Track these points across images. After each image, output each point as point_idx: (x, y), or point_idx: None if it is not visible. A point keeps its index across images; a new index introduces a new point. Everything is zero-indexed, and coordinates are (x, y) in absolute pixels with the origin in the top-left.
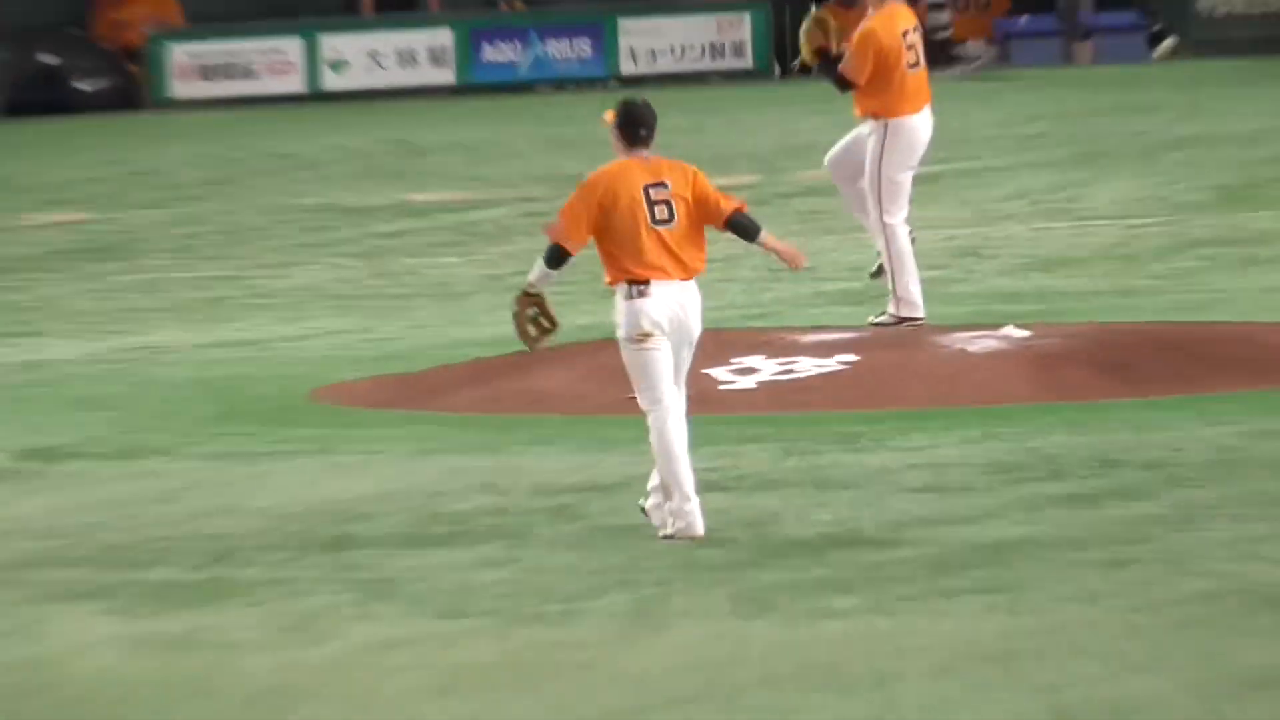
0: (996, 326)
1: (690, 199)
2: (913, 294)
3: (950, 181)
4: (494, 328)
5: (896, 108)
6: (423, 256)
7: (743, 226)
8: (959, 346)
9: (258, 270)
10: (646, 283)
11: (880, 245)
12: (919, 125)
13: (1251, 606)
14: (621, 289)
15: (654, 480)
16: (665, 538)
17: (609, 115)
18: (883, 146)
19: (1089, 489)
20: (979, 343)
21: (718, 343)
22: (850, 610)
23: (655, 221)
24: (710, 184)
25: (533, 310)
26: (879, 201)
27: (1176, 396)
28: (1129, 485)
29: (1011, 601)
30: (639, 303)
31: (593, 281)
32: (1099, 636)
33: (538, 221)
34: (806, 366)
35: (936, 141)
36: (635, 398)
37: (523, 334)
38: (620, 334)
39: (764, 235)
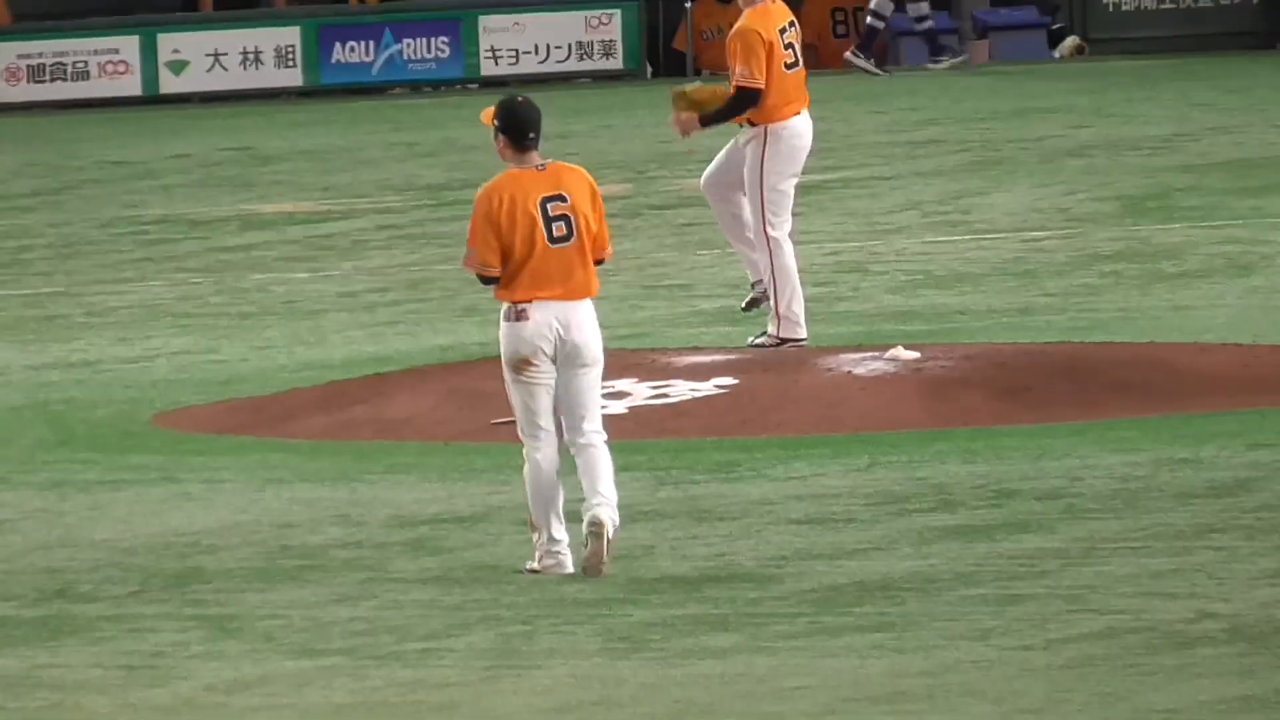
0: (885, 347)
1: (595, 210)
2: (795, 313)
3: (835, 191)
4: (347, 348)
5: (775, 111)
6: (270, 272)
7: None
8: (844, 369)
9: (94, 286)
10: (529, 303)
11: (761, 263)
12: (800, 129)
13: (1152, 645)
14: (504, 309)
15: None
16: (529, 571)
17: (487, 116)
18: (763, 153)
19: (982, 521)
20: (866, 365)
21: None
22: (728, 649)
23: (553, 240)
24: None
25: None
26: (761, 212)
27: (1076, 423)
28: (1025, 517)
29: (899, 640)
30: (518, 326)
31: (450, 299)
32: (992, 677)
33: (394, 234)
34: (681, 390)
35: (820, 148)
36: (500, 422)
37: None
38: (503, 359)
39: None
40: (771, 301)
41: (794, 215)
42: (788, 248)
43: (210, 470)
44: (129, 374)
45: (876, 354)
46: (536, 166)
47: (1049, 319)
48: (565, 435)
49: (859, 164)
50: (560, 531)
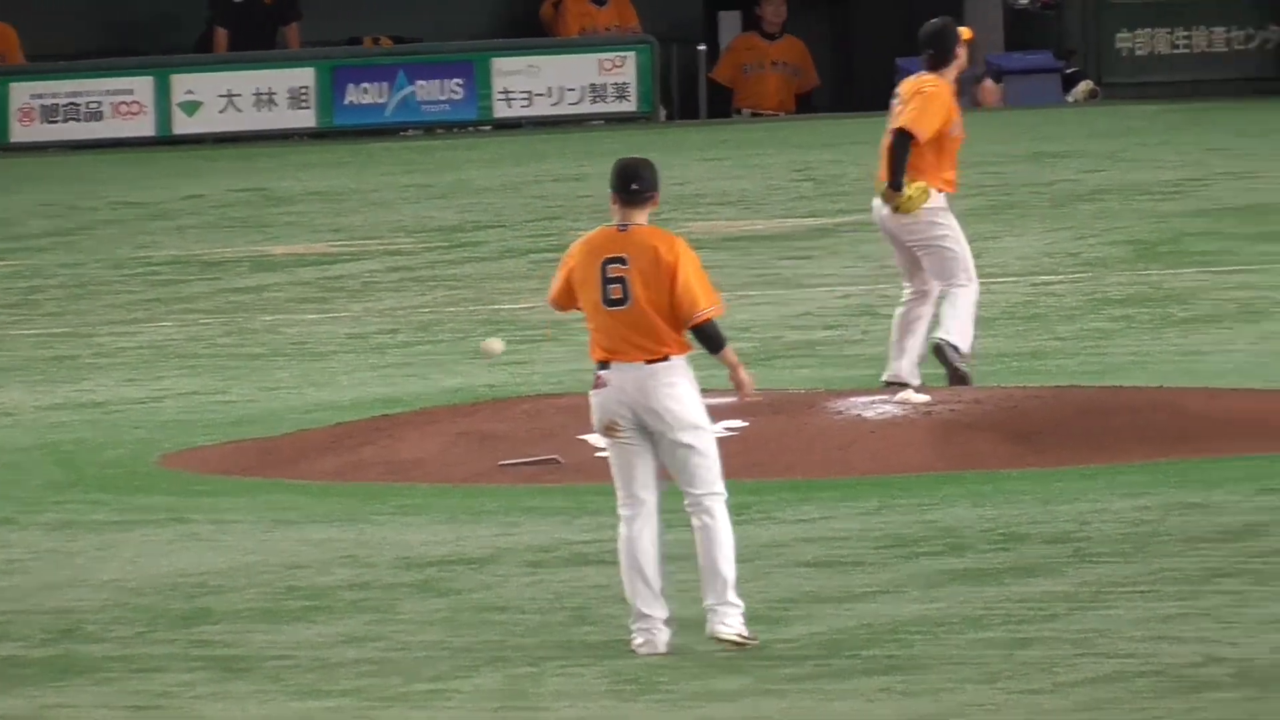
0: (894, 390)
1: (660, 279)
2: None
3: (847, 235)
4: (356, 390)
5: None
6: (281, 313)
7: (707, 337)
8: (854, 412)
9: (105, 327)
10: (605, 367)
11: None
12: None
13: (1160, 689)
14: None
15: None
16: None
17: None
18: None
19: (991, 564)
20: (876, 408)
21: None
22: (737, 691)
23: (608, 302)
24: (693, 272)
25: None
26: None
27: (1086, 466)
28: (1034, 561)
29: (907, 683)
30: (596, 391)
31: (460, 341)
32: None
33: (405, 276)
34: None
35: (834, 191)
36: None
37: None
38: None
39: (726, 350)
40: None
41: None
42: (901, 306)
43: (218, 511)
44: (138, 414)
45: (886, 397)
46: (619, 227)
47: (1059, 363)
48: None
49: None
50: (651, 607)
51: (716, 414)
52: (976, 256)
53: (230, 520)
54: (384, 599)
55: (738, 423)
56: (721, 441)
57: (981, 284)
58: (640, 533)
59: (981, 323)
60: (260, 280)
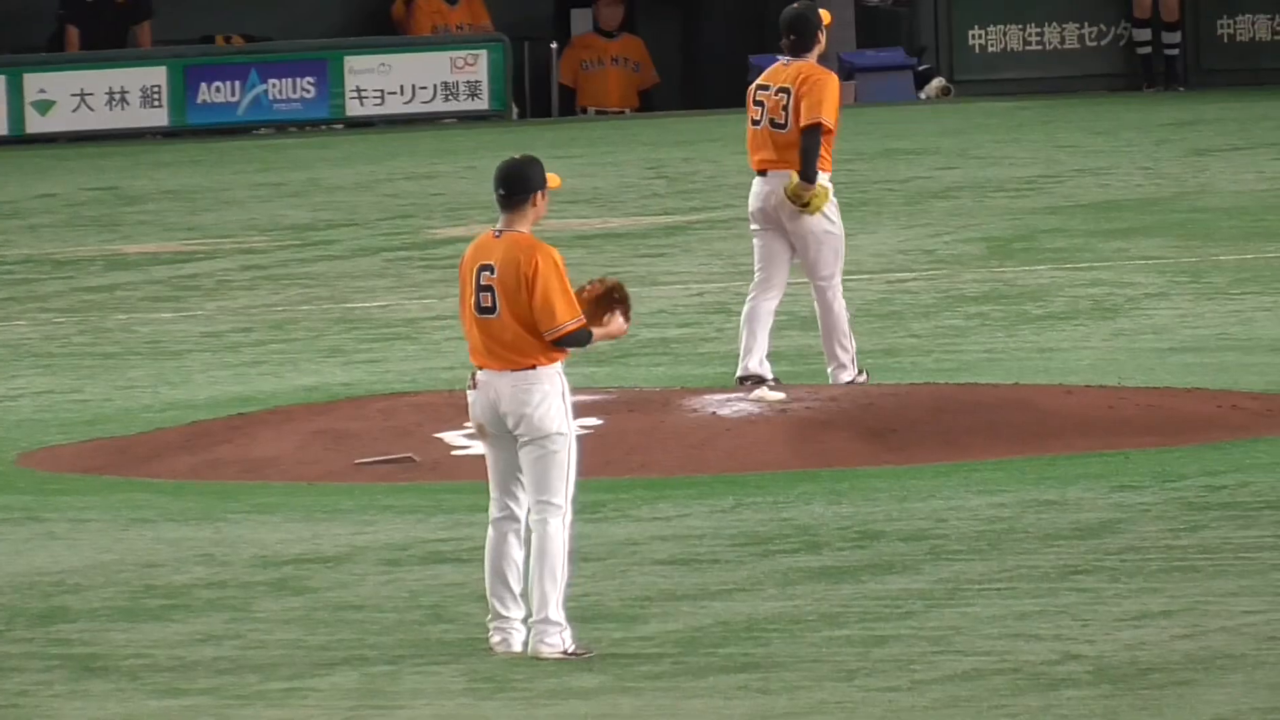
0: (750, 388)
1: (519, 291)
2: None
3: (700, 232)
4: (211, 388)
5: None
6: (135, 312)
7: (574, 342)
8: (710, 410)
9: None
10: (476, 370)
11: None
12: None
13: (1018, 686)
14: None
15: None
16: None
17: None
18: None
19: (847, 562)
20: (731, 406)
21: (451, 405)
22: (593, 689)
23: (479, 310)
24: (555, 284)
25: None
26: None
27: (942, 464)
28: (890, 558)
29: (764, 680)
30: (469, 394)
31: (315, 339)
32: (857, 718)
33: (258, 275)
34: None
35: (687, 189)
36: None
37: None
38: None
39: (594, 337)
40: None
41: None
42: (750, 303)
43: (75, 510)
44: None
45: (741, 395)
46: (495, 232)
47: (914, 360)
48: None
49: (724, 204)
50: (509, 609)
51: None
52: None
53: (86, 519)
54: (240, 597)
55: (593, 421)
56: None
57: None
58: (505, 535)
59: None
60: (114, 279)
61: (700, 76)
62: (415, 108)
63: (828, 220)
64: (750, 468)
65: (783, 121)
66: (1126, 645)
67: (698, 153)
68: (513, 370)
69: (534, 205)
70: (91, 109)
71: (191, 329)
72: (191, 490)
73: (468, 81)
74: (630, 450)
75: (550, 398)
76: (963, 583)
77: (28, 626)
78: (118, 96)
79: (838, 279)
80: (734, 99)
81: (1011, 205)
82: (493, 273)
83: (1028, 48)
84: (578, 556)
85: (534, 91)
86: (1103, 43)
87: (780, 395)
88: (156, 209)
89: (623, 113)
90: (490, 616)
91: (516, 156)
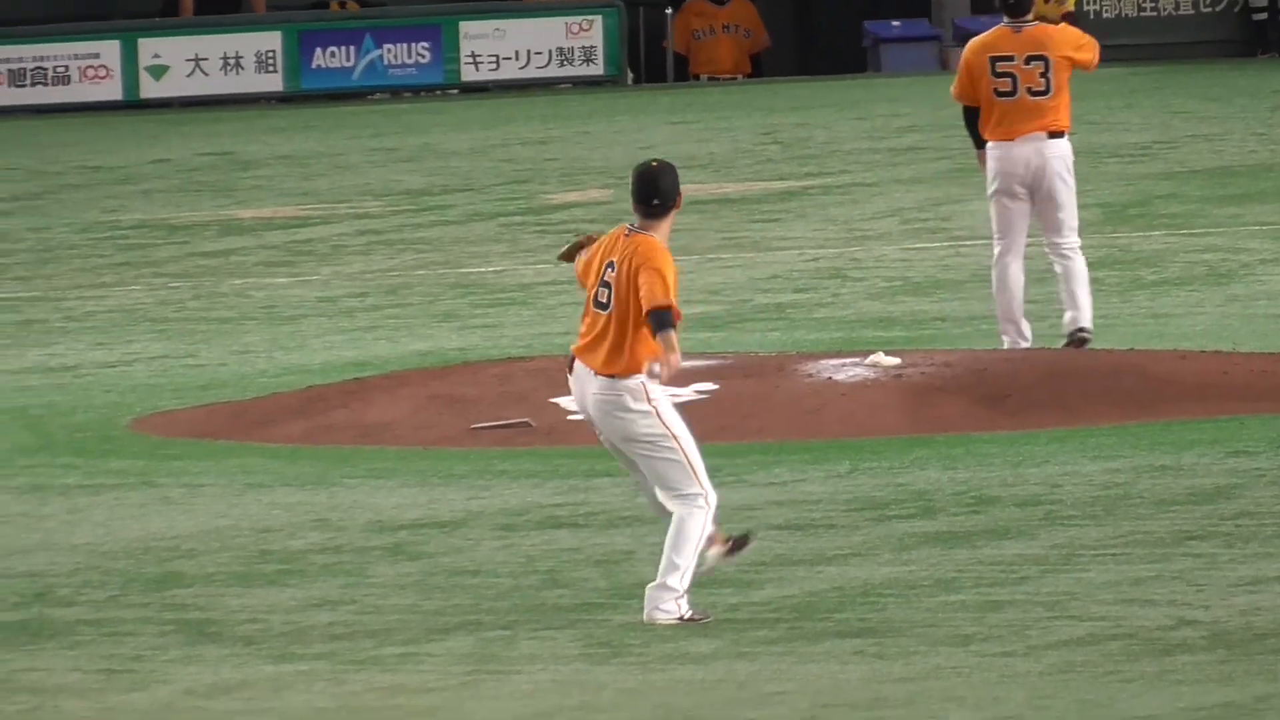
0: (865, 354)
1: (628, 285)
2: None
3: (815, 198)
4: (326, 353)
5: (988, 131)
6: (250, 277)
7: (658, 319)
8: (825, 375)
9: (73, 291)
10: (574, 358)
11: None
12: (1000, 154)
13: (1133, 652)
14: None
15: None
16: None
17: None
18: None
19: (962, 527)
20: (846, 371)
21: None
22: (708, 655)
23: (596, 304)
24: (661, 275)
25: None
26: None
27: (1056, 429)
28: (1005, 523)
29: (879, 646)
30: (570, 379)
31: (429, 304)
32: (972, 683)
33: (373, 240)
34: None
35: (802, 154)
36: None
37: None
38: None
39: (669, 333)
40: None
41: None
42: (1000, 264)
43: (190, 475)
44: (108, 378)
45: (857, 360)
46: (628, 229)
47: (1030, 326)
48: None
49: (839, 170)
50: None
51: (690, 377)
52: (945, 220)
53: (201, 484)
54: (356, 563)
55: (709, 386)
56: (692, 405)
57: (951, 247)
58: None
59: (954, 286)
60: (229, 244)
61: (814, 42)
62: (530, 73)
63: (1068, 182)
64: (866, 433)
65: (1043, 88)
66: (1241, 611)
67: (811, 118)
68: (596, 373)
69: (671, 214)
70: (206, 74)
71: (306, 294)
72: (306, 455)
73: (583, 47)
74: (746, 415)
75: (626, 408)
76: (1077, 548)
77: (143, 592)
78: (232, 62)
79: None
80: (848, 64)
81: (1126, 171)
82: (614, 270)
83: (1142, 14)
84: None
85: (648, 56)
86: (1217, 9)
87: (896, 360)
88: (271, 174)
89: (735, 79)
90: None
91: (657, 164)
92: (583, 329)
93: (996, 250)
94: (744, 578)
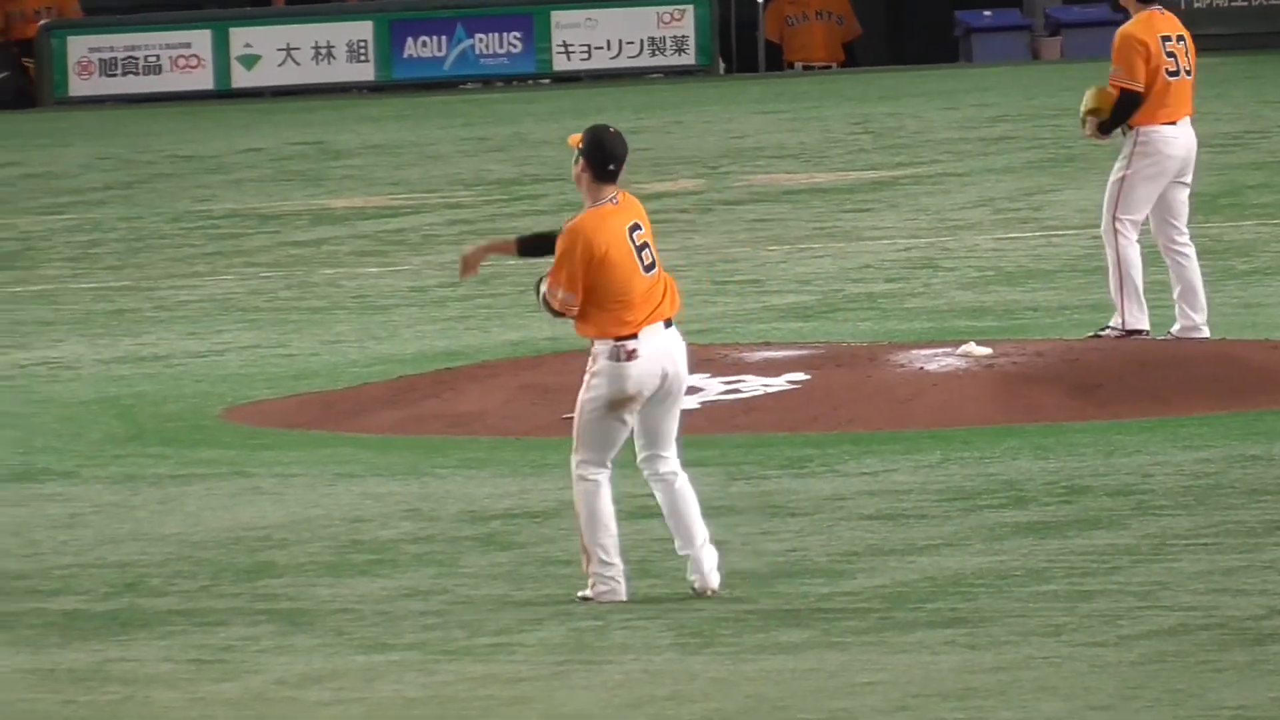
0: (956, 343)
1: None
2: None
3: (906, 188)
4: (418, 343)
5: (1148, 115)
6: (341, 267)
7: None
8: (916, 365)
9: (164, 281)
10: (634, 337)
11: (1109, 256)
12: (1169, 135)
13: (1224, 642)
14: (606, 348)
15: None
16: (581, 599)
17: (575, 140)
18: (1131, 151)
19: (1053, 517)
20: (938, 361)
21: None
22: (799, 644)
23: (645, 269)
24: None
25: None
26: (1115, 205)
27: (1147, 419)
28: (1096, 513)
29: (970, 635)
30: (628, 366)
31: (521, 295)
32: (1063, 673)
33: (464, 230)
34: (753, 386)
35: (893, 144)
36: (570, 418)
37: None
38: (595, 394)
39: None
40: (1114, 294)
41: (929, 212)
42: (1133, 245)
43: (281, 465)
44: (199, 368)
45: (948, 350)
46: (611, 200)
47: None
48: (644, 467)
49: (931, 160)
50: (615, 557)
51: (782, 367)
52: (1036, 210)
53: (292, 474)
54: (447, 552)
55: (800, 376)
56: (783, 395)
57: (1042, 236)
58: (608, 494)
59: (1046, 276)
60: (320, 234)
61: (905, 32)
62: (622, 63)
63: None
64: (957, 423)
65: (1190, 69)
66: None
67: (903, 107)
68: (666, 325)
69: None
70: (297, 63)
71: (398, 284)
72: (398, 445)
73: (674, 36)
74: (837, 405)
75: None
76: (1168, 538)
77: (234, 581)
78: (324, 51)
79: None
80: (939, 54)
81: (1217, 161)
82: (641, 230)
83: (1233, 3)
84: (785, 511)
85: (740, 46)
86: None
87: (987, 350)
88: (362, 164)
89: (829, 67)
90: (597, 566)
91: (612, 129)
92: (640, 307)
93: (1134, 234)
94: (834, 567)
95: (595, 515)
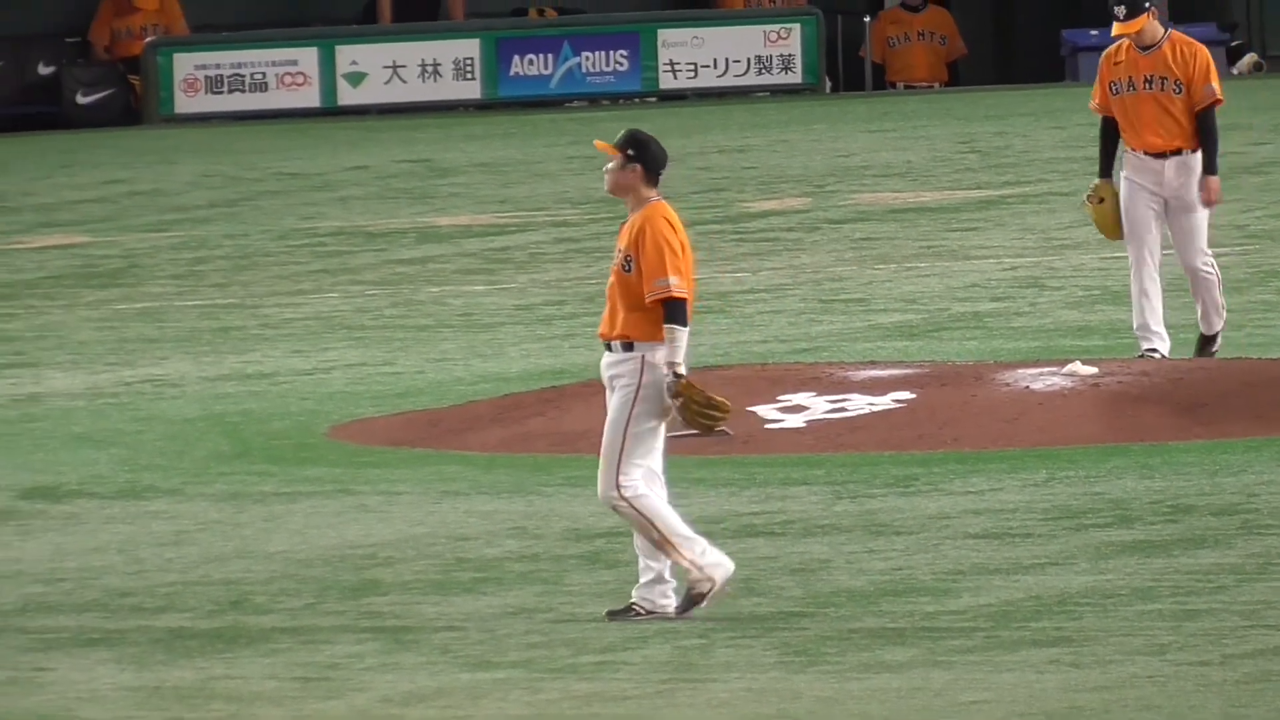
0: (1062, 362)
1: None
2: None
3: (1013, 206)
4: (523, 361)
5: None
6: (447, 284)
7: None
8: (1022, 384)
9: (269, 298)
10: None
11: None
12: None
13: None
14: (655, 354)
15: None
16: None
17: (607, 146)
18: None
19: (1159, 536)
20: (1043, 380)
21: (764, 379)
22: (904, 663)
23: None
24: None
25: (697, 401)
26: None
27: (1253, 439)
28: (1201, 532)
29: (1076, 654)
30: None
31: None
32: (1168, 692)
33: (571, 248)
34: (859, 404)
35: (999, 163)
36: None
37: (702, 428)
38: (647, 406)
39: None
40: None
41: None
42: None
43: (386, 482)
44: (305, 386)
45: (1054, 369)
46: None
47: (1226, 335)
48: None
49: (1037, 179)
50: (695, 534)
51: (888, 386)
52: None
53: (398, 492)
54: (552, 571)
55: (905, 395)
56: (889, 413)
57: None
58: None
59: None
60: (426, 251)
61: (1012, 51)
62: (728, 81)
63: None
64: (1062, 441)
65: None
66: None
67: (1010, 127)
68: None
69: None
70: (404, 81)
71: (504, 301)
72: (503, 463)
73: (781, 55)
74: (942, 424)
75: None
76: (1274, 557)
77: (340, 599)
78: (430, 69)
79: None
80: (1046, 73)
81: None
82: None
83: None
84: (891, 530)
85: (847, 64)
86: None
87: (1093, 370)
88: (468, 181)
89: (932, 86)
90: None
91: (648, 133)
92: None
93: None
94: (940, 586)
95: (658, 513)
